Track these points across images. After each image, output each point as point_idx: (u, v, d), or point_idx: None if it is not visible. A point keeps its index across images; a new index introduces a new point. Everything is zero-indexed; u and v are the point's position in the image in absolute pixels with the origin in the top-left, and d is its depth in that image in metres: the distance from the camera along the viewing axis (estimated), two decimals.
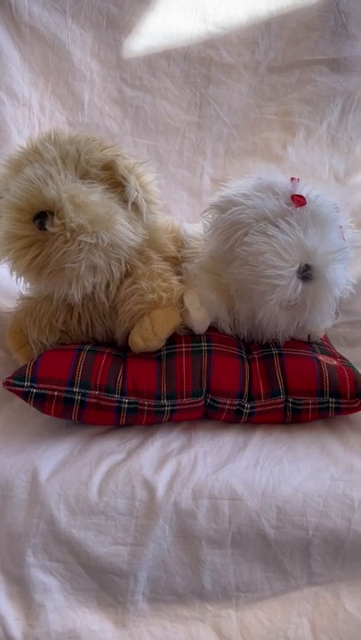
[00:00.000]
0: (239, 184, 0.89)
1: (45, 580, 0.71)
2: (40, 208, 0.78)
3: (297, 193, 0.84)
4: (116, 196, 0.84)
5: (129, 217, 0.85)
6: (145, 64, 1.34)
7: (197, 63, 1.35)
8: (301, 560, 0.72)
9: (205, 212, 0.91)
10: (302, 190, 0.85)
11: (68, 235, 0.78)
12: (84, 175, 0.83)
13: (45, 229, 0.78)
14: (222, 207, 0.88)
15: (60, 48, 1.29)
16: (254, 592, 0.72)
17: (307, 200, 0.84)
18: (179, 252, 0.96)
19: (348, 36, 1.35)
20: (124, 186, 0.84)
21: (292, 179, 0.86)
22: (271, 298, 0.81)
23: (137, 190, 0.84)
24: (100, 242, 0.79)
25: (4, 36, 1.25)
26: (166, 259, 0.93)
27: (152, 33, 1.33)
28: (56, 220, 0.77)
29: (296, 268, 0.80)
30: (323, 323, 0.95)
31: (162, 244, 0.93)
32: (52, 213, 0.78)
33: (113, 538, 0.72)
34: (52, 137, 0.85)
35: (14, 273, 0.84)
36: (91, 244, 0.79)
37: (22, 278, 0.85)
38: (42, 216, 0.78)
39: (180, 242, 0.99)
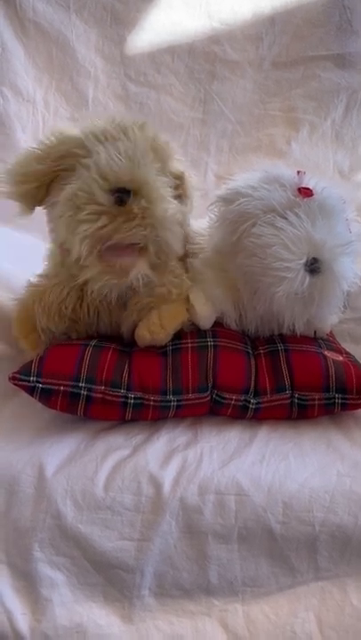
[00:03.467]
0: (246, 177, 0.89)
1: (52, 574, 0.71)
2: (125, 184, 0.77)
3: (303, 185, 0.84)
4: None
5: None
6: (149, 60, 1.34)
7: (202, 59, 1.35)
8: (308, 555, 0.72)
9: (212, 204, 0.91)
10: (309, 183, 0.85)
11: (149, 220, 0.77)
12: (161, 174, 0.83)
13: (124, 205, 0.77)
14: (229, 199, 0.87)
15: (64, 44, 1.29)
16: (261, 587, 0.72)
17: (314, 192, 0.83)
18: (187, 245, 0.96)
19: (352, 31, 1.35)
20: (182, 198, 0.87)
21: (299, 172, 0.86)
22: (278, 290, 0.80)
23: (192, 207, 0.88)
24: (163, 242, 0.80)
25: (9, 33, 1.25)
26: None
27: (156, 29, 1.33)
28: (144, 203, 0.77)
29: (304, 260, 0.80)
30: (331, 316, 0.94)
31: None
32: (134, 193, 0.77)
33: (119, 533, 0.72)
34: (135, 128, 0.83)
35: (68, 241, 0.80)
36: (154, 238, 0.78)
37: (72, 249, 0.80)
38: (122, 191, 0.77)
39: (185, 237, 0.99)
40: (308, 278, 0.80)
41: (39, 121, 1.30)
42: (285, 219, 0.81)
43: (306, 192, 0.83)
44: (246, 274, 0.85)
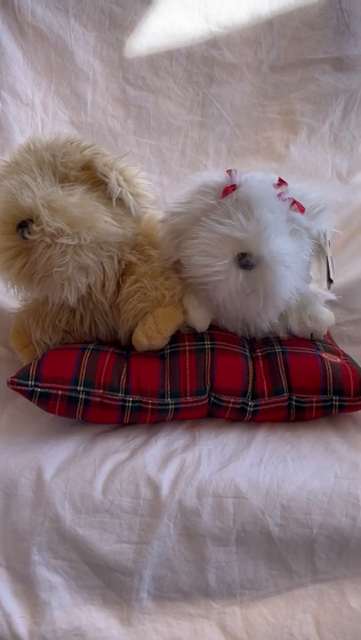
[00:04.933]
0: (180, 194, 0.90)
1: (51, 577, 0.71)
2: (20, 217, 0.79)
3: (231, 184, 0.83)
4: (99, 194, 0.84)
5: (114, 213, 0.85)
6: (147, 64, 1.34)
7: (200, 62, 1.35)
8: (306, 558, 0.72)
9: (158, 229, 0.92)
10: (235, 179, 0.84)
11: (49, 240, 0.78)
12: (64, 179, 0.84)
13: (27, 238, 0.79)
14: (163, 219, 0.90)
15: (62, 48, 1.30)
16: (259, 589, 0.72)
17: (237, 187, 0.83)
18: None
19: (350, 34, 1.35)
20: (106, 183, 0.84)
21: (228, 171, 0.85)
22: (218, 294, 0.82)
23: (120, 185, 0.84)
24: (83, 241, 0.80)
25: (7, 36, 1.25)
26: None
27: (154, 33, 1.33)
28: (34, 227, 0.78)
29: (228, 260, 0.79)
30: (328, 315, 0.94)
31: None
32: (32, 221, 0.79)
33: (118, 536, 0.72)
34: (30, 146, 0.85)
35: (8, 283, 0.85)
36: (74, 245, 0.79)
37: (16, 287, 0.85)
38: (24, 225, 0.79)
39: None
40: (241, 274, 0.79)
41: (38, 124, 1.31)
42: (203, 225, 0.82)
43: (225, 191, 0.83)
44: (195, 285, 0.87)
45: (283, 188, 0.84)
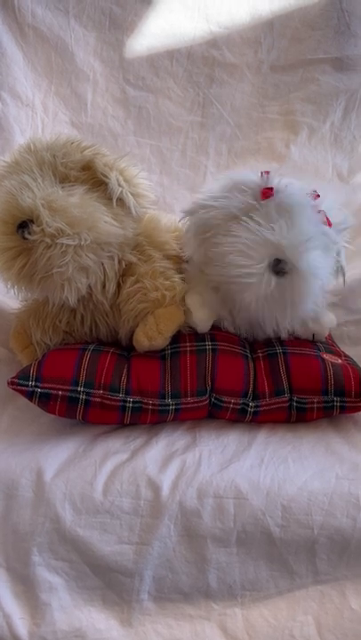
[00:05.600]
0: (209, 187, 0.89)
1: (51, 578, 0.71)
2: (20, 218, 0.79)
3: (267, 186, 0.83)
4: (100, 194, 0.84)
5: (114, 213, 0.84)
6: (148, 64, 1.34)
7: (200, 63, 1.35)
8: (307, 559, 0.72)
9: (180, 219, 0.92)
10: (272, 182, 0.83)
11: (49, 240, 0.78)
12: (64, 179, 0.83)
13: (27, 238, 0.79)
14: (191, 211, 0.88)
15: (63, 49, 1.30)
16: (260, 590, 0.72)
17: (275, 191, 0.82)
18: (181, 250, 0.96)
19: (351, 34, 1.35)
20: (106, 183, 0.84)
21: (263, 172, 0.85)
22: (245, 296, 0.81)
23: (120, 185, 0.84)
24: (83, 242, 0.80)
25: (8, 37, 1.25)
26: (168, 257, 0.93)
27: (155, 33, 1.33)
28: (35, 228, 0.78)
29: (265, 264, 0.79)
30: (328, 317, 0.94)
31: (163, 241, 0.93)
32: (32, 222, 0.79)
33: (118, 537, 0.72)
34: (31, 146, 0.85)
35: (8, 284, 0.85)
36: (74, 245, 0.79)
37: (16, 288, 0.85)
38: (24, 225, 0.79)
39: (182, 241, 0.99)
40: (273, 280, 0.79)
41: (38, 125, 1.31)
42: (244, 224, 0.81)
43: (265, 193, 0.82)
44: (218, 283, 0.86)
45: (318, 200, 0.85)
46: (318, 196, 0.85)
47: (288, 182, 0.84)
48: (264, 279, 0.79)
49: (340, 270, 0.89)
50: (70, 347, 0.88)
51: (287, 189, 0.83)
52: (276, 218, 0.80)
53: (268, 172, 0.84)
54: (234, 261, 0.80)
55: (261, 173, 0.85)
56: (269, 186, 0.83)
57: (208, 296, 0.89)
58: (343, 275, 0.90)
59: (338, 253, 0.88)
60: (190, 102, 1.37)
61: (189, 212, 0.89)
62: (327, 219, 0.85)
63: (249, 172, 0.86)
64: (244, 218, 0.82)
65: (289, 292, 0.81)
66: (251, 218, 0.81)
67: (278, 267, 0.79)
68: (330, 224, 0.85)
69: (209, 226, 0.85)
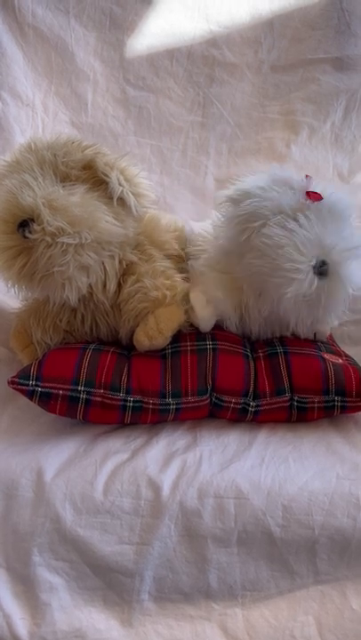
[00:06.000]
0: (254, 178, 0.89)
1: (51, 578, 0.71)
2: (21, 217, 0.79)
3: (311, 189, 0.85)
4: (101, 193, 0.84)
5: (115, 212, 0.84)
6: (148, 64, 1.34)
7: (200, 63, 1.35)
8: (307, 559, 0.72)
9: (220, 203, 0.91)
10: (316, 187, 0.85)
11: (49, 239, 0.78)
12: (65, 178, 0.83)
13: (27, 237, 0.79)
14: (238, 199, 0.87)
15: (63, 49, 1.30)
16: (260, 590, 0.72)
17: (323, 196, 0.84)
18: (182, 250, 0.96)
19: (351, 34, 1.35)
20: (107, 183, 0.84)
21: (307, 176, 0.87)
22: (287, 291, 0.81)
23: (121, 185, 0.84)
24: (84, 241, 0.80)
25: (8, 37, 1.25)
26: (168, 256, 0.93)
27: (155, 33, 1.33)
28: (35, 227, 0.78)
29: (313, 263, 0.80)
30: (335, 320, 0.94)
31: (163, 241, 0.94)
32: (33, 221, 0.78)
33: (119, 537, 0.72)
34: (31, 145, 0.85)
35: (8, 283, 0.85)
36: (75, 244, 0.79)
37: (16, 287, 0.85)
38: (24, 224, 0.79)
39: (183, 241, 0.99)
40: (316, 280, 0.80)
41: (38, 125, 1.31)
42: (296, 221, 0.82)
43: (315, 196, 0.84)
44: (254, 274, 0.85)
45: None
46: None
47: (330, 190, 0.86)
48: (308, 278, 0.80)
49: None
50: (71, 346, 0.87)
51: (334, 197, 0.85)
52: (328, 221, 0.82)
53: (308, 176, 0.86)
54: (288, 254, 0.80)
55: (306, 176, 0.87)
56: (314, 190, 0.85)
57: (213, 294, 0.88)
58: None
59: None
60: (191, 102, 1.37)
61: (236, 200, 0.88)
62: None
63: (293, 172, 0.88)
64: (299, 214, 0.82)
65: (325, 295, 0.82)
66: (306, 216, 0.82)
67: (322, 268, 0.81)
68: None
69: (258, 215, 0.84)
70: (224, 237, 0.90)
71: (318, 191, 0.85)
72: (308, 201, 0.83)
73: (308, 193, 0.84)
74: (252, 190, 0.86)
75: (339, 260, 0.81)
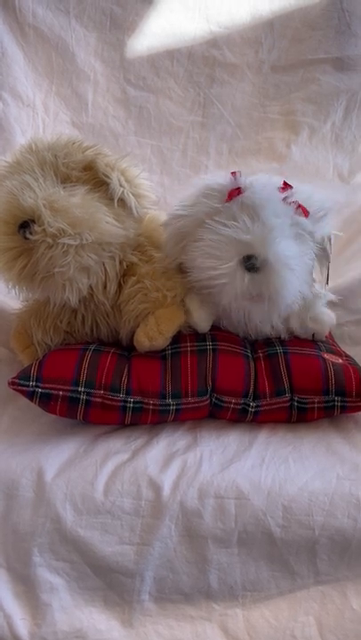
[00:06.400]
0: (183, 196, 0.89)
1: (52, 579, 0.71)
2: (22, 218, 0.79)
3: (236, 186, 0.83)
4: (101, 194, 0.84)
5: (116, 213, 0.84)
6: (148, 64, 1.34)
7: (201, 63, 1.36)
8: (308, 559, 0.72)
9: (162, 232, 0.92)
10: (242, 181, 0.83)
11: (50, 240, 0.78)
12: (66, 179, 0.83)
13: (28, 238, 0.79)
14: (166, 223, 0.89)
15: (63, 49, 1.30)
16: (261, 591, 0.72)
17: (242, 190, 0.82)
18: None
19: (351, 34, 1.35)
20: (108, 184, 0.84)
21: (232, 173, 0.85)
22: (222, 297, 0.81)
23: (122, 186, 0.84)
24: (85, 242, 0.80)
25: (8, 38, 1.25)
26: None
27: (155, 33, 1.33)
28: (36, 228, 0.78)
29: (234, 262, 0.79)
30: (329, 317, 0.94)
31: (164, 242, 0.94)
32: (34, 222, 0.79)
33: (119, 537, 0.72)
34: (32, 146, 0.85)
35: (9, 284, 0.85)
36: (76, 245, 0.79)
37: (17, 288, 0.85)
38: (25, 226, 0.79)
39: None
40: (247, 277, 0.79)
41: (39, 125, 1.31)
42: (207, 227, 0.82)
43: (230, 194, 0.82)
44: (198, 289, 0.86)
45: (288, 192, 0.84)
46: (289, 186, 0.85)
47: (253, 179, 0.84)
48: (237, 277, 0.79)
49: (323, 257, 0.88)
50: (71, 347, 0.88)
51: (252, 186, 0.83)
52: (239, 215, 0.81)
53: (234, 173, 0.85)
54: (203, 264, 0.81)
55: (231, 174, 0.85)
56: (237, 186, 0.83)
57: (205, 297, 0.88)
58: (328, 261, 0.89)
59: (322, 241, 0.87)
60: (191, 102, 1.37)
61: (165, 224, 0.90)
62: (303, 208, 0.84)
63: (217, 176, 0.87)
64: (208, 221, 0.82)
65: (265, 287, 0.80)
66: (214, 220, 0.82)
67: (249, 263, 0.79)
68: (306, 213, 0.84)
69: (182, 235, 0.86)
70: (170, 260, 0.90)
71: (241, 185, 0.83)
72: (224, 202, 0.82)
73: (228, 192, 0.83)
74: (175, 211, 0.87)
75: (262, 249, 0.78)
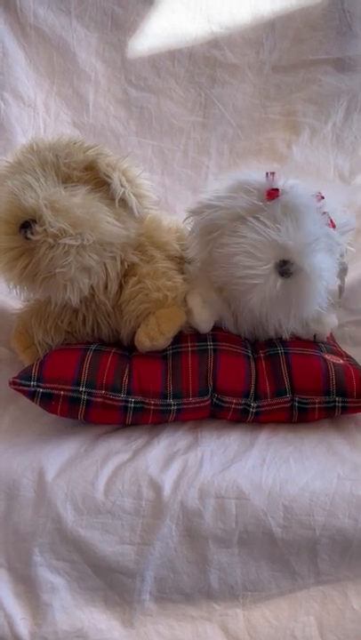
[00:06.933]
0: (214, 187, 0.89)
1: (52, 579, 0.71)
2: (23, 218, 0.79)
3: (273, 187, 0.83)
4: (102, 194, 0.84)
5: (117, 214, 0.84)
6: (150, 64, 1.34)
7: (202, 63, 1.36)
8: (308, 559, 0.72)
9: (185, 219, 0.91)
10: (278, 183, 0.83)
11: (51, 240, 0.78)
12: (67, 179, 0.83)
13: (29, 238, 0.79)
14: (197, 211, 0.88)
15: (65, 49, 1.30)
16: (261, 591, 0.72)
17: (280, 192, 0.82)
18: (183, 251, 0.96)
19: (352, 35, 1.35)
20: (109, 184, 0.84)
21: (268, 173, 0.85)
22: (251, 297, 0.81)
23: (123, 186, 0.84)
24: (86, 242, 0.80)
25: (10, 38, 1.26)
26: (170, 257, 0.93)
27: (156, 33, 1.33)
28: (37, 228, 0.78)
29: (271, 265, 0.79)
30: (329, 318, 0.94)
31: (165, 242, 0.94)
32: (35, 222, 0.79)
33: (120, 537, 0.72)
34: (33, 146, 0.85)
35: (10, 284, 0.85)
36: (77, 245, 0.79)
37: (18, 288, 0.85)
38: (26, 226, 0.79)
39: (184, 241, 0.99)
40: (279, 281, 0.79)
41: (40, 125, 1.31)
42: (249, 225, 0.81)
43: (271, 193, 0.82)
44: (223, 284, 0.86)
45: (322, 202, 0.85)
46: (323, 197, 0.85)
47: (294, 184, 0.84)
48: (270, 280, 0.79)
49: (343, 272, 0.90)
50: (72, 347, 0.88)
51: (293, 190, 0.83)
52: (282, 219, 0.81)
53: (273, 173, 0.84)
54: (240, 262, 0.80)
55: (267, 174, 0.85)
56: (275, 187, 0.83)
57: (210, 296, 0.89)
58: (344, 276, 0.91)
59: (341, 255, 0.88)
60: (192, 103, 1.37)
61: (195, 212, 0.89)
62: (331, 221, 0.85)
63: (254, 173, 0.86)
64: (250, 218, 0.81)
65: (294, 294, 0.81)
66: (257, 219, 0.81)
67: (284, 268, 0.79)
68: (333, 226, 0.85)
69: (215, 226, 0.85)
70: (193, 251, 0.90)
71: (278, 187, 0.83)
72: (265, 201, 0.82)
73: (268, 192, 0.83)
74: (207, 201, 0.87)
75: (299, 257, 0.79)
